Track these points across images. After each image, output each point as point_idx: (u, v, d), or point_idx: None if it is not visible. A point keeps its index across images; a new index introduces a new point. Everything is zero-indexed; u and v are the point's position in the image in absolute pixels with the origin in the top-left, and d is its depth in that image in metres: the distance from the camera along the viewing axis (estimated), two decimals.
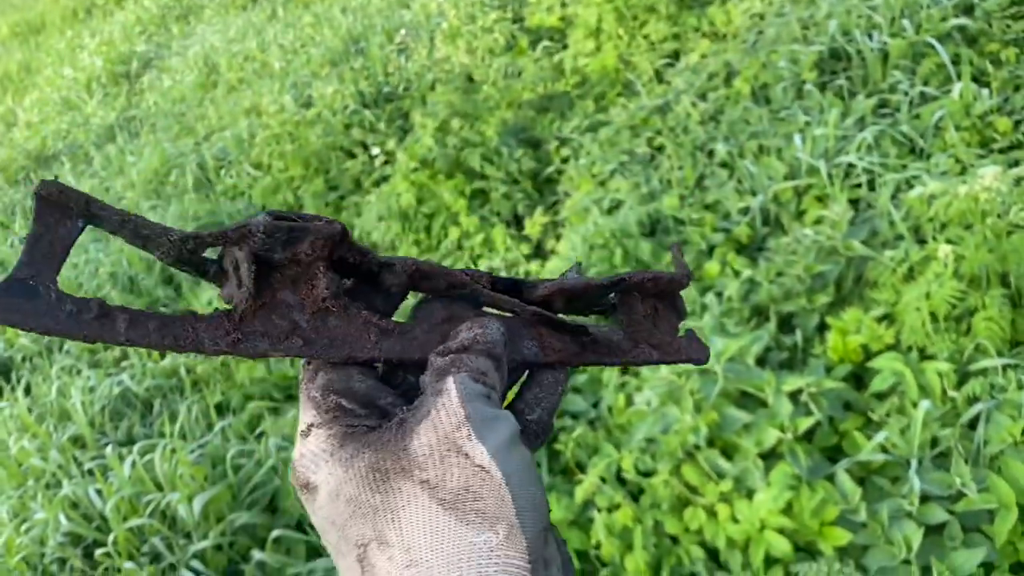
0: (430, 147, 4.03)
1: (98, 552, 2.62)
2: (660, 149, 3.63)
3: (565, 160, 3.98)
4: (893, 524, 1.92)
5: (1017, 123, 2.93)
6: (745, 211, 3.12)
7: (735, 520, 2.05)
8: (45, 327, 0.44)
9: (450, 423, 0.44)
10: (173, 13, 9.61)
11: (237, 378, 3.35)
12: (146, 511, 2.67)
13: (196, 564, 2.49)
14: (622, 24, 4.56)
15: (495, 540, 0.41)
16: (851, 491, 1.99)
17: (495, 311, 0.57)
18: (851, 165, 3.04)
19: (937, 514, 1.93)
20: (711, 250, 3.01)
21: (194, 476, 2.73)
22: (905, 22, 3.44)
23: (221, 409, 3.27)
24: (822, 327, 2.57)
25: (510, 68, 4.87)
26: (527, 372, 0.57)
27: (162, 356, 3.73)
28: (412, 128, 4.66)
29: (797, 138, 3.19)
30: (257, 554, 2.46)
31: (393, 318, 0.54)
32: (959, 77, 3.11)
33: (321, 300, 0.51)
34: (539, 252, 3.68)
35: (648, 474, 2.28)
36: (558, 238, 3.62)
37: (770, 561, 2.00)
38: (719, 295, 2.78)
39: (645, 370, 2.58)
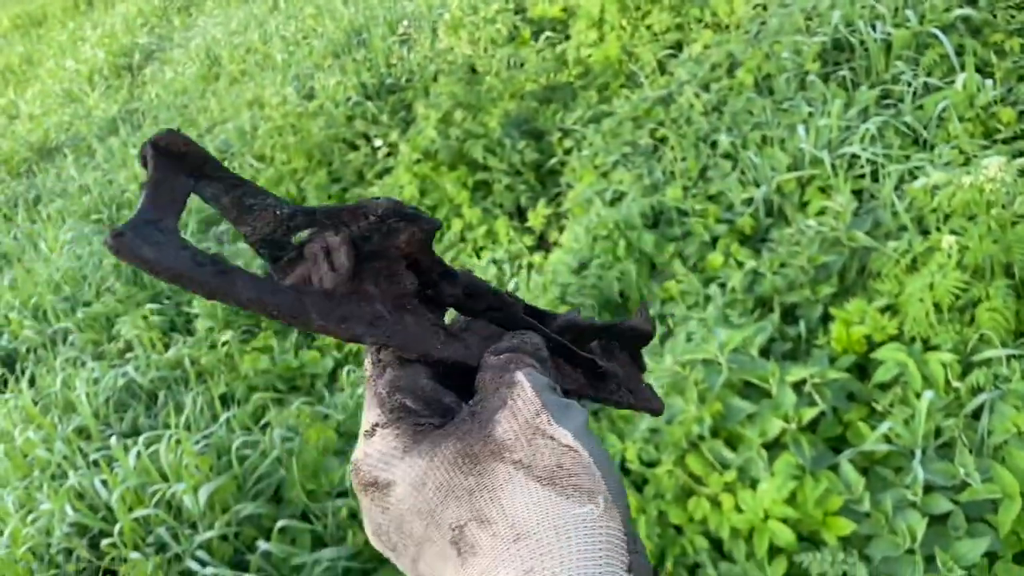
0: (433, 139, 4.03)
1: (104, 542, 2.63)
2: (663, 140, 3.62)
3: (568, 151, 3.97)
4: (897, 514, 1.92)
5: (1021, 114, 2.92)
6: (749, 202, 3.12)
7: (739, 510, 2.06)
8: (173, 271, 0.42)
9: (529, 411, 0.46)
10: (175, 5, 9.59)
11: (241, 369, 3.35)
12: (151, 502, 2.68)
13: (202, 554, 2.50)
14: (625, 14, 4.55)
15: (596, 512, 0.42)
16: (855, 481, 1.99)
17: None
18: (855, 156, 3.04)
19: (941, 504, 1.93)
20: (714, 241, 3.01)
21: (199, 467, 2.74)
22: (909, 12, 3.43)
23: (226, 400, 3.27)
24: (826, 318, 2.57)
25: (513, 59, 4.87)
26: None
27: (166, 348, 3.74)
28: (415, 120, 4.66)
29: (800, 129, 3.19)
30: (262, 544, 2.47)
31: None
32: (963, 68, 3.11)
33: (402, 296, 0.52)
34: (542, 244, 3.68)
35: (652, 464, 2.29)
36: (561, 230, 3.62)
37: (774, 551, 2.01)
38: (723, 286, 2.78)
39: (649, 361, 2.59)
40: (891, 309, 2.43)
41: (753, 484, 2.08)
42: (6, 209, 5.85)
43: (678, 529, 2.17)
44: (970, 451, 2.01)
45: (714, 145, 3.45)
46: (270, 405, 3.14)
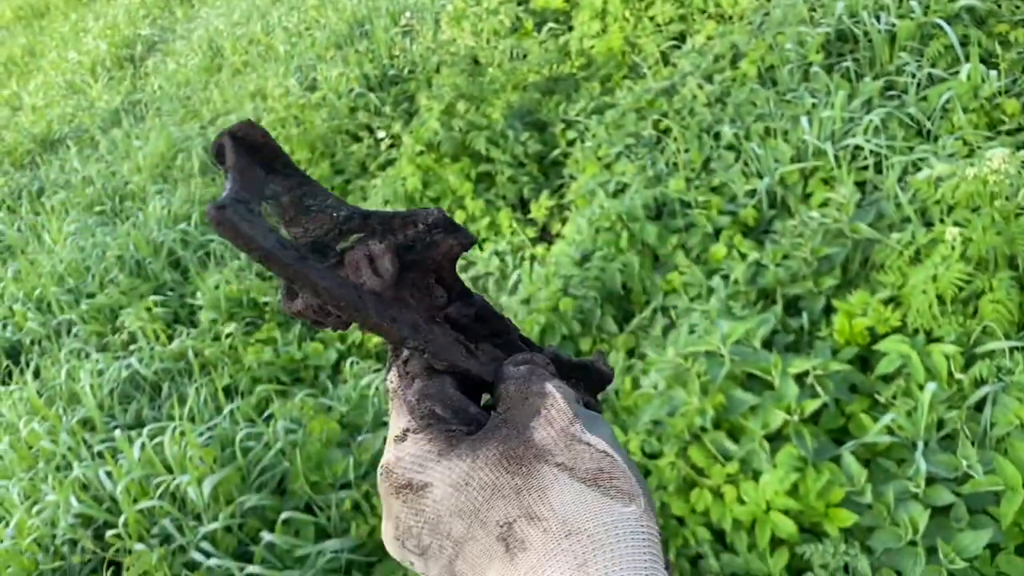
0: (436, 130, 4.02)
1: (109, 534, 2.64)
2: (666, 132, 3.62)
3: (571, 143, 3.97)
4: (899, 506, 1.93)
5: None
6: (752, 194, 3.11)
7: (741, 502, 2.06)
8: (264, 250, 0.43)
9: (563, 419, 0.48)
10: None
11: (245, 361, 3.36)
12: (156, 493, 2.69)
13: (206, 545, 2.51)
14: (627, 5, 4.54)
15: (638, 511, 0.45)
16: (857, 473, 2.00)
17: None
18: (858, 147, 3.03)
19: (943, 496, 1.93)
20: (717, 233, 3.01)
21: (203, 458, 2.75)
22: (913, 3, 3.42)
23: (229, 392, 3.28)
24: (828, 310, 2.57)
25: (516, 50, 4.85)
26: None
27: (169, 339, 3.75)
28: (417, 111, 4.66)
29: (804, 120, 3.18)
30: (266, 536, 2.48)
31: None
32: (967, 58, 3.09)
33: (433, 308, 0.54)
34: (545, 235, 3.68)
35: (655, 456, 2.29)
36: (564, 221, 3.62)
37: (776, 542, 2.01)
38: (725, 278, 2.78)
39: (652, 353, 2.59)
40: (894, 301, 2.43)
41: (755, 476, 2.09)
42: (10, 201, 5.86)
43: (680, 520, 2.17)
44: (972, 443, 2.01)
45: (717, 136, 3.45)
46: (274, 397, 3.15)
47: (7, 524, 2.80)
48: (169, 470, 2.78)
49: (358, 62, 5.41)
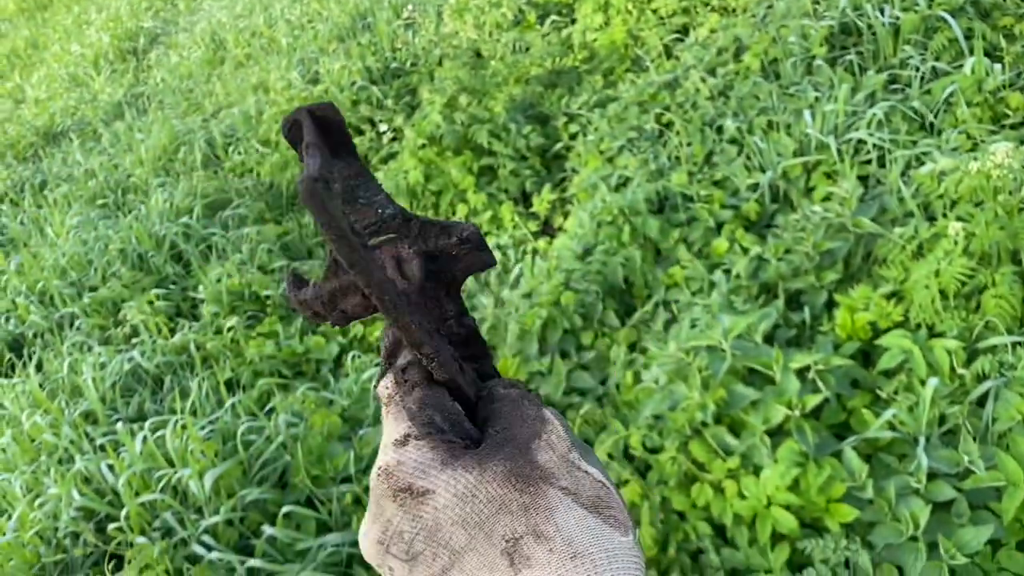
0: (438, 123, 4.01)
1: (111, 527, 2.65)
2: (669, 125, 3.61)
3: (573, 136, 3.96)
4: (900, 501, 1.92)
5: None
6: (754, 188, 3.10)
7: (742, 496, 2.06)
8: (341, 231, 0.43)
9: (563, 446, 0.49)
10: None
11: (247, 355, 3.36)
12: (158, 486, 2.70)
13: (207, 539, 2.51)
14: None
15: (630, 542, 0.46)
16: (858, 468, 1.99)
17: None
18: (861, 141, 3.02)
19: (944, 491, 1.93)
20: (719, 227, 3.00)
21: (205, 452, 2.75)
22: None
23: (231, 386, 3.29)
24: (830, 304, 2.56)
25: (518, 43, 4.84)
26: None
27: (172, 333, 3.75)
28: (420, 104, 4.65)
29: (807, 114, 3.17)
30: (268, 529, 2.49)
31: None
32: (971, 52, 3.08)
33: (441, 321, 0.54)
34: (547, 229, 3.68)
35: (655, 451, 2.29)
36: (566, 215, 3.62)
37: (776, 537, 2.01)
38: (727, 272, 2.77)
39: (653, 347, 2.59)
40: (896, 296, 2.43)
41: (756, 471, 2.08)
42: (12, 194, 5.86)
43: (681, 515, 2.17)
44: (974, 438, 2.01)
45: (720, 130, 3.44)
46: (275, 391, 3.15)
47: (9, 517, 2.81)
48: (171, 463, 2.79)
49: (360, 55, 5.40)
